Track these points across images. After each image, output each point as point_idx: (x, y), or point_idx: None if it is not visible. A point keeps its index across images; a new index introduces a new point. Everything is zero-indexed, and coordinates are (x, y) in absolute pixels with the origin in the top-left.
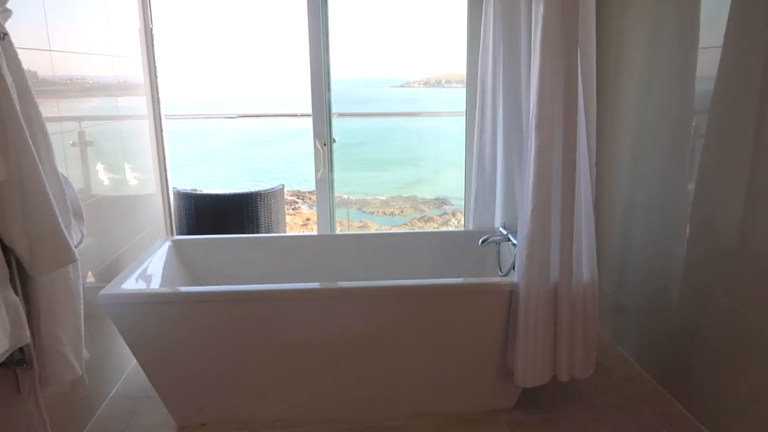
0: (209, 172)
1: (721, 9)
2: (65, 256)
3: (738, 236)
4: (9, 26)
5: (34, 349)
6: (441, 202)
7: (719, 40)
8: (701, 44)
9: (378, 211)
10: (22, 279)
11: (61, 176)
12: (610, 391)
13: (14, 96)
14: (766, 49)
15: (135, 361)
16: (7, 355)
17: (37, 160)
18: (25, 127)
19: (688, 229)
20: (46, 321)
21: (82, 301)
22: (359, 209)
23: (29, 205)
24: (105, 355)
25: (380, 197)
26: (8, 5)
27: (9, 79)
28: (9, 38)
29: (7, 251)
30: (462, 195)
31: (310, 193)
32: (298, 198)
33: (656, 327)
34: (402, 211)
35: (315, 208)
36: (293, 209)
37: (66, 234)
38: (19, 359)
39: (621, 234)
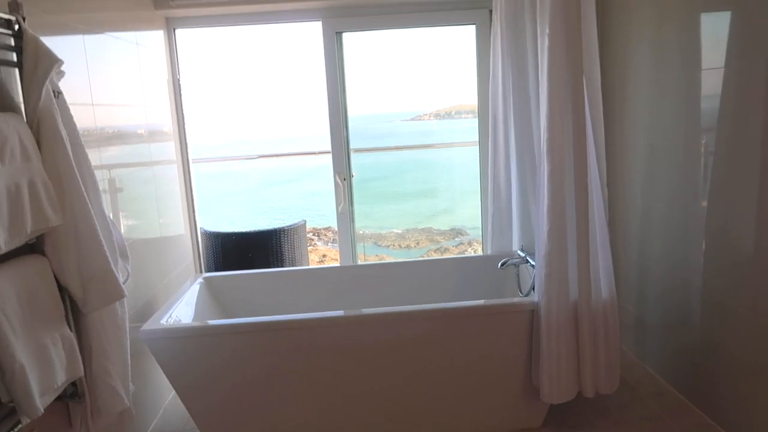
0: (233, 211)
1: (720, 32)
2: (115, 293)
3: (753, 247)
4: (61, 85)
5: (85, 382)
6: (456, 232)
7: (721, 61)
8: (704, 65)
9: (394, 245)
10: (73, 316)
11: (108, 219)
12: (637, 406)
13: (68, 147)
14: (766, 67)
15: (171, 395)
16: (63, 388)
17: (89, 206)
18: (78, 176)
19: (704, 243)
20: (96, 355)
21: (128, 335)
22: (375, 243)
23: (82, 247)
24: (143, 390)
25: (396, 230)
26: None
27: (64, 133)
28: (62, 96)
29: (61, 290)
30: (477, 224)
31: (326, 229)
32: (314, 235)
33: (678, 341)
34: (418, 243)
35: (330, 244)
36: (310, 246)
37: (116, 272)
38: (71, 393)
39: (638, 251)
